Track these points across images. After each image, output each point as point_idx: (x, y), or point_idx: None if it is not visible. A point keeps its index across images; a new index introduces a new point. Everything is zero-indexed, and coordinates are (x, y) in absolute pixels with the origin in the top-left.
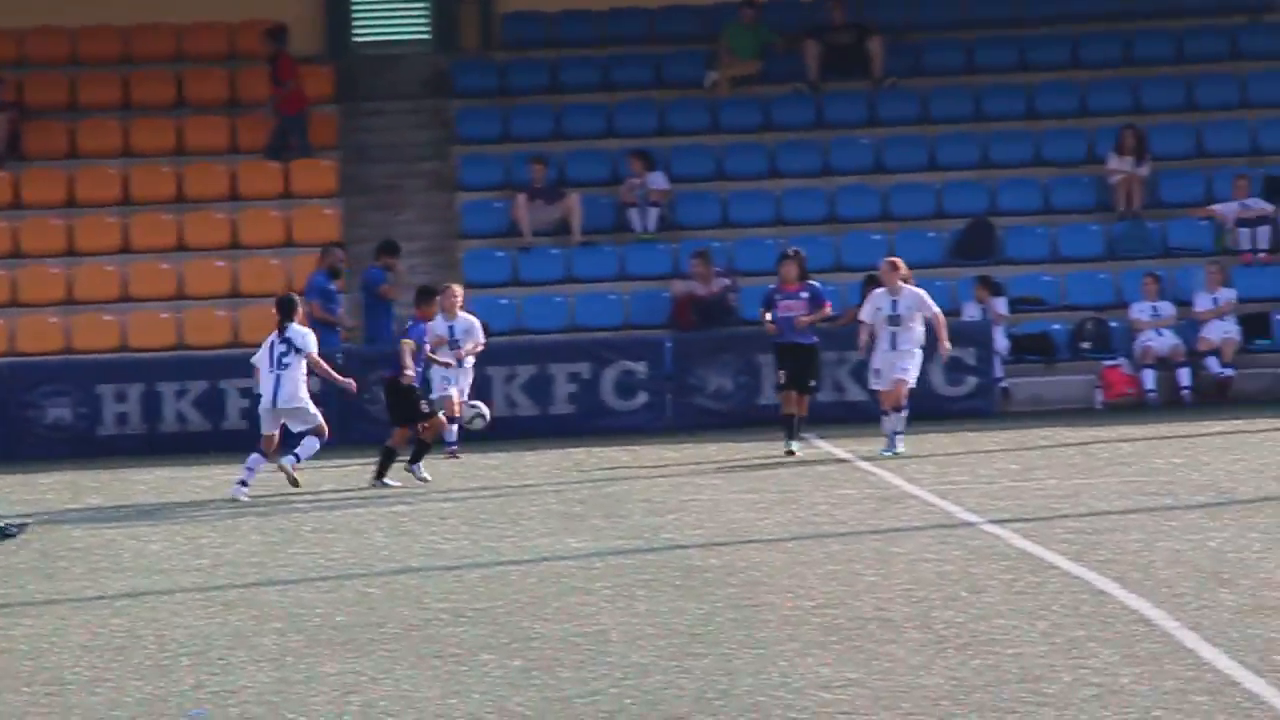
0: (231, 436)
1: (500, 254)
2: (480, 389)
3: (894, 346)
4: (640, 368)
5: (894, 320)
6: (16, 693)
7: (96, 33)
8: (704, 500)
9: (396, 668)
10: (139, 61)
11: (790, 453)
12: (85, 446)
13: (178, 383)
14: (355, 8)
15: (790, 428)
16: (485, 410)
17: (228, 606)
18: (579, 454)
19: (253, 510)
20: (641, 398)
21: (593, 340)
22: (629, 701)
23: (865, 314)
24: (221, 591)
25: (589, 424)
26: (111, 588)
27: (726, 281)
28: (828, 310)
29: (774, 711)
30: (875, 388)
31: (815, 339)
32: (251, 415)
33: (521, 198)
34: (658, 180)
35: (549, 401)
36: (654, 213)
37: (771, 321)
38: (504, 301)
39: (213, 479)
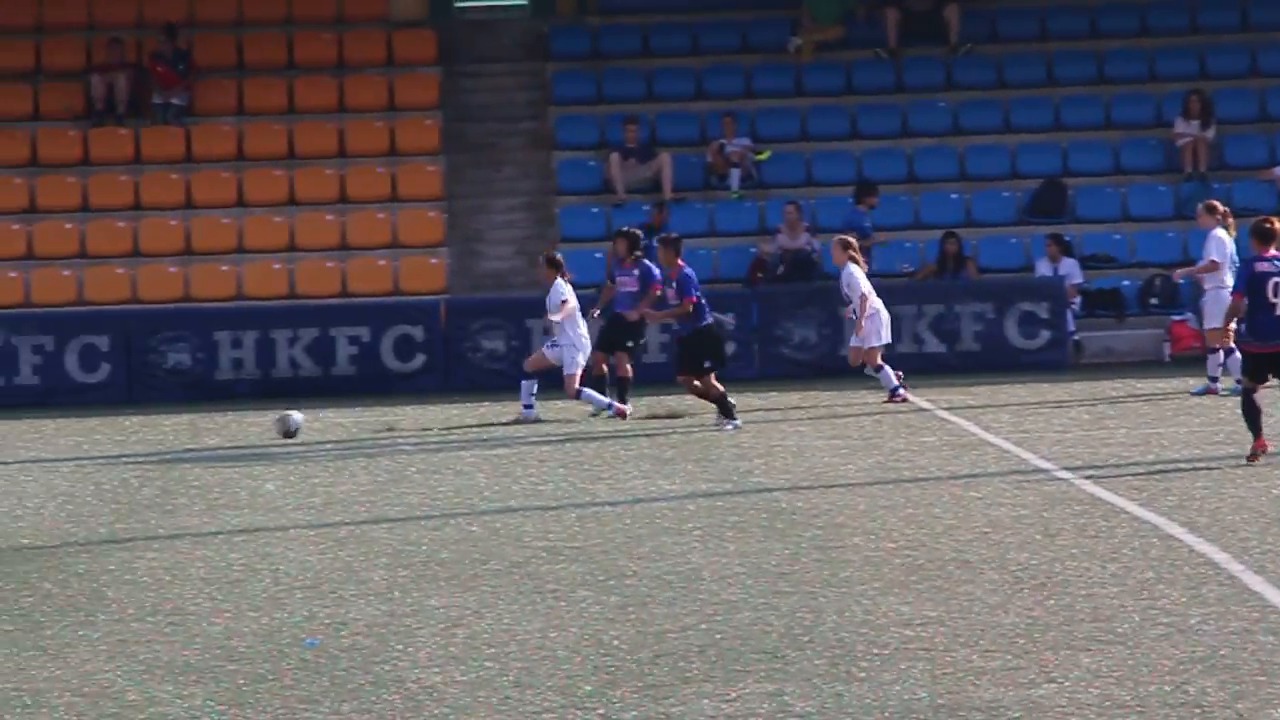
0: (340, 381)
1: (595, 210)
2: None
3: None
4: (729, 320)
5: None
6: (141, 621)
7: None
8: (789, 446)
9: (499, 602)
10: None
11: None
12: (203, 390)
13: (290, 330)
14: None
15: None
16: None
17: (338, 543)
18: (671, 401)
19: (361, 451)
20: (729, 349)
21: None
22: (719, 636)
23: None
24: (332, 529)
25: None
26: (229, 524)
27: (810, 238)
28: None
29: (857, 647)
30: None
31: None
32: (359, 361)
33: (615, 156)
34: (741, 141)
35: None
36: (736, 173)
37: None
38: (598, 255)
39: (322, 422)
